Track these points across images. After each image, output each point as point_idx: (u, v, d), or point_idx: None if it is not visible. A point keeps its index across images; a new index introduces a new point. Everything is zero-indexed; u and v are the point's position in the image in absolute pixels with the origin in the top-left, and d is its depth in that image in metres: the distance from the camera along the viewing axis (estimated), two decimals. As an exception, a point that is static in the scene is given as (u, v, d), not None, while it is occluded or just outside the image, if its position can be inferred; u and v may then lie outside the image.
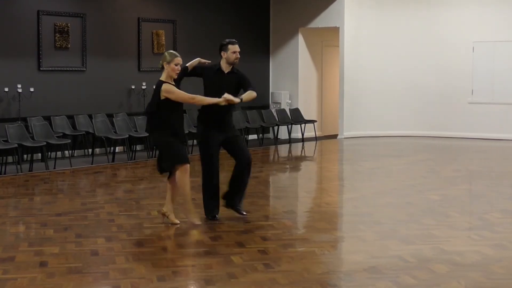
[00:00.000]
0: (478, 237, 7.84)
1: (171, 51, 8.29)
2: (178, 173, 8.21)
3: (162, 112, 8.14)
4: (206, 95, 8.50)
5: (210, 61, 8.70)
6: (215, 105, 8.27)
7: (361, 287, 6.10)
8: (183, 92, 8.17)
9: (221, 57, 8.53)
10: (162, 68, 8.18)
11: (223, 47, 8.49)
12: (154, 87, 8.43)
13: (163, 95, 8.08)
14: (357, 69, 19.07)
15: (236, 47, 8.47)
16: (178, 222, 8.38)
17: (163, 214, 8.45)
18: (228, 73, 8.51)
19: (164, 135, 8.21)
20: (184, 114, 8.48)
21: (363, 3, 19.21)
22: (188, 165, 8.26)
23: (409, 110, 19.24)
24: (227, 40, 8.57)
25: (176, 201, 8.58)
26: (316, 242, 7.62)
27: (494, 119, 18.28)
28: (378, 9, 19.30)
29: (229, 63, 8.48)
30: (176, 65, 8.10)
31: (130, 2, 16.38)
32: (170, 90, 8.06)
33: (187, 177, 8.26)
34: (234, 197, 8.73)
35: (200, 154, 8.74)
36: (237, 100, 8.19)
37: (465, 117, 18.60)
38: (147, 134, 14.88)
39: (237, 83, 8.49)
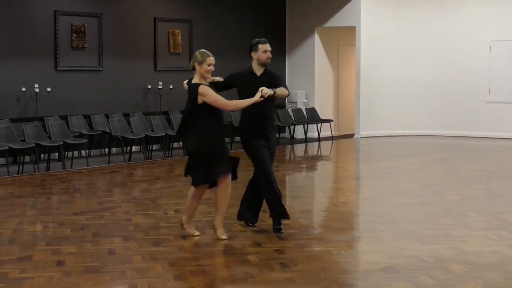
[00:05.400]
0: (496, 237, 7.79)
1: (202, 50, 7.66)
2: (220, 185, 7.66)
3: (200, 118, 7.49)
4: None
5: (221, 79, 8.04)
6: (256, 112, 7.79)
7: (378, 287, 6.08)
8: (219, 96, 7.49)
9: (251, 58, 8.01)
10: (193, 69, 7.57)
11: (253, 47, 7.98)
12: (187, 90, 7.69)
13: (200, 98, 7.43)
14: (373, 68, 19.02)
15: (267, 46, 7.97)
16: (226, 237, 7.71)
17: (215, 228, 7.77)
18: (261, 75, 7.95)
19: (202, 144, 7.52)
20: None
21: (379, 3, 19.15)
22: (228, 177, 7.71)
23: (426, 109, 19.17)
24: (257, 39, 8.08)
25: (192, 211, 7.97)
26: (332, 242, 7.60)
27: (511, 118, 18.16)
28: (395, 8, 19.23)
29: (260, 63, 7.93)
30: (209, 65, 7.49)
31: (146, 2, 16.41)
32: (206, 93, 7.40)
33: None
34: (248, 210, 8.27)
35: (250, 157, 8.06)
36: (271, 91, 7.52)
37: (482, 117, 18.50)
38: (163, 134, 14.97)
39: (271, 84, 7.80)
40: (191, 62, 7.60)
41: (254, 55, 7.97)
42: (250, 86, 7.77)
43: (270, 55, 7.97)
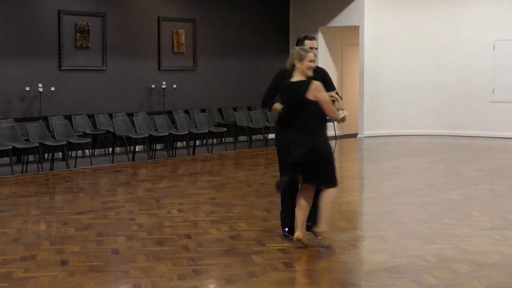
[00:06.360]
0: (499, 236, 7.79)
1: (300, 47, 7.35)
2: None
3: (309, 116, 7.16)
4: None
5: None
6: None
7: (382, 287, 6.08)
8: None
9: None
10: (292, 67, 7.22)
11: (299, 43, 7.64)
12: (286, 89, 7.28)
13: (312, 94, 7.04)
14: (377, 67, 19.01)
15: (314, 43, 7.59)
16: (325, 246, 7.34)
17: (315, 233, 7.37)
18: None
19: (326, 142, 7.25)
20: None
21: (383, 2, 19.13)
22: None
23: (430, 109, 19.14)
24: (304, 35, 7.77)
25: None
26: (336, 241, 7.59)
27: (514, 117, 18.18)
28: (398, 7, 19.21)
29: None
30: (310, 61, 7.15)
31: (150, 2, 16.42)
32: (322, 89, 7.08)
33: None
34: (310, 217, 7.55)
35: (279, 161, 7.75)
36: (342, 115, 7.31)
37: (486, 116, 18.47)
38: (167, 134, 14.95)
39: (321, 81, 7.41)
40: (289, 60, 7.24)
41: None
42: None
43: (316, 53, 7.56)
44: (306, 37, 7.68)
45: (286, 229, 7.73)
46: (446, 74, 18.96)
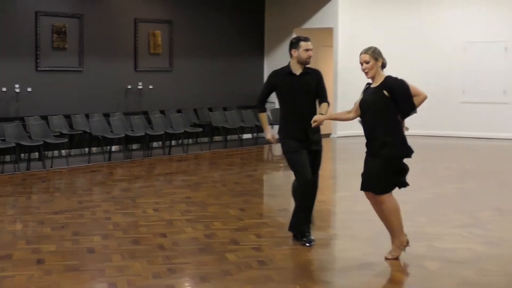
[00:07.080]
0: (469, 234, 7.93)
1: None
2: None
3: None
4: (280, 105, 7.60)
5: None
6: (296, 114, 7.49)
7: (354, 284, 6.19)
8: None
9: (291, 56, 7.51)
10: (376, 59, 7.50)
11: (293, 45, 7.44)
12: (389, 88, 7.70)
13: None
14: (350, 69, 19.05)
15: (309, 45, 7.42)
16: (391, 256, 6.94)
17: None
18: (301, 74, 7.50)
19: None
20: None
21: (357, 4, 19.30)
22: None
23: (403, 109, 19.27)
24: (298, 36, 7.58)
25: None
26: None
27: (485, 118, 18.39)
28: (372, 9, 19.38)
29: (300, 62, 7.46)
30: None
31: (126, 3, 16.45)
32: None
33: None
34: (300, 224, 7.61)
35: (289, 165, 7.85)
36: (322, 118, 7.51)
37: (456, 117, 18.72)
38: (143, 134, 15.00)
39: (314, 86, 7.55)
40: (378, 56, 7.54)
41: (294, 52, 7.46)
42: (287, 87, 7.44)
43: (311, 54, 7.51)
44: (300, 39, 7.50)
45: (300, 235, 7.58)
46: (418, 75, 19.05)
